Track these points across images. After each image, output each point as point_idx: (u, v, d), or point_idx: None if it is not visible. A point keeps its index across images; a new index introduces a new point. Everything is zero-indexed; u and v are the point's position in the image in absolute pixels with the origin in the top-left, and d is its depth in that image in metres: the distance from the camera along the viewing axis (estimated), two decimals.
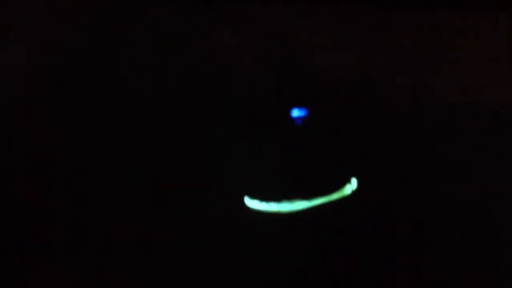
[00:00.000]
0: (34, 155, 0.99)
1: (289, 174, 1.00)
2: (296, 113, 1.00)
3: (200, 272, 0.97)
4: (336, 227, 0.97)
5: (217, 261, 0.97)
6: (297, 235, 0.98)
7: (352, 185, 0.99)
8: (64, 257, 0.96)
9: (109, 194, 0.98)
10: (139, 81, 1.01)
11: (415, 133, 0.99)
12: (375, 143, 0.98)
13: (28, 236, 0.97)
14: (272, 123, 1.01)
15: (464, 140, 0.98)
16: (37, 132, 0.99)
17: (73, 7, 1.02)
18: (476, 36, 1.01)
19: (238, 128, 1.00)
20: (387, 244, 0.96)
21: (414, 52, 1.01)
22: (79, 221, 0.97)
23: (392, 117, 0.99)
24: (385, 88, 1.00)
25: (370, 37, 1.01)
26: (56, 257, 0.96)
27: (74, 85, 1.01)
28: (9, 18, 1.03)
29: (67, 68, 1.01)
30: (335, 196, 0.99)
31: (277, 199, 0.99)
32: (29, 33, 1.02)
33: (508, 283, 0.95)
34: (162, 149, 0.99)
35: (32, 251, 0.96)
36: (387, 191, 0.97)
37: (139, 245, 0.97)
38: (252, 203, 1.00)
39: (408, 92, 1.00)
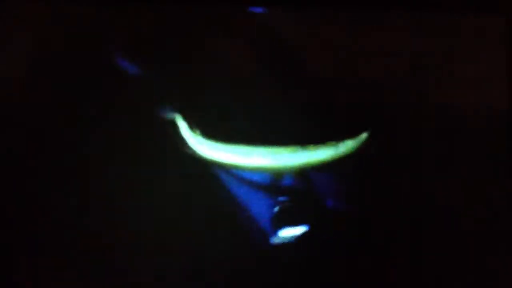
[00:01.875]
0: (34, 156, 0.99)
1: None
2: None
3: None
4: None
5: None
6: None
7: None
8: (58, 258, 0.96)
9: (110, 192, 0.97)
10: (139, 82, 1.01)
11: (412, 134, 0.99)
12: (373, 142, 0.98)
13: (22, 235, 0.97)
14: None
15: (461, 141, 0.98)
16: (37, 133, 1.00)
17: (73, 8, 1.03)
18: (474, 38, 1.01)
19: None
20: (380, 243, 0.95)
21: (413, 53, 1.01)
22: (79, 221, 0.97)
23: (389, 117, 0.99)
24: (383, 89, 1.00)
25: (369, 38, 1.01)
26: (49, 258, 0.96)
27: (74, 86, 1.01)
28: (9, 19, 1.03)
29: (67, 69, 1.02)
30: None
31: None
32: (30, 34, 1.03)
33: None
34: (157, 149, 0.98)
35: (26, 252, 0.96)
36: (384, 191, 0.97)
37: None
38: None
39: (406, 93, 1.00)
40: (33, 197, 0.97)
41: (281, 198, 0.84)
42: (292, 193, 0.85)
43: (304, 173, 0.84)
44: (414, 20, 1.02)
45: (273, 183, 0.84)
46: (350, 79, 0.99)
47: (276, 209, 0.84)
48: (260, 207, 0.86)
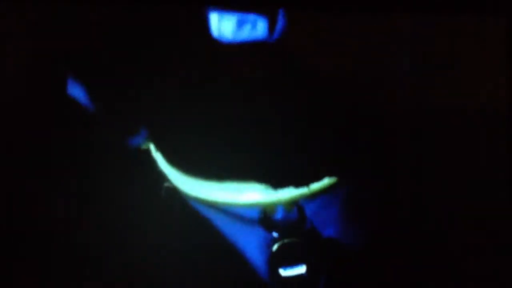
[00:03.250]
0: (33, 156, 0.99)
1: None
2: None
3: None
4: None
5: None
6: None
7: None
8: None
9: (108, 194, 0.97)
10: (139, 83, 1.00)
11: (411, 135, 0.99)
12: (371, 144, 0.98)
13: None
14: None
15: (461, 141, 0.98)
16: (37, 133, 0.99)
17: (73, 9, 1.02)
18: (474, 38, 1.01)
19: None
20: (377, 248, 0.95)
21: (413, 53, 1.01)
22: (78, 222, 0.97)
23: (388, 118, 0.99)
24: (383, 90, 1.00)
25: (368, 39, 1.01)
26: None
27: (73, 87, 1.01)
28: (9, 20, 1.03)
29: (67, 70, 1.01)
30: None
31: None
32: (29, 35, 1.03)
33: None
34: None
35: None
36: (382, 192, 0.97)
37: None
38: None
39: (405, 93, 1.00)
40: (32, 197, 0.97)
41: (275, 234, 0.80)
42: (287, 228, 0.81)
43: (298, 204, 0.81)
44: (414, 20, 1.02)
45: (266, 218, 0.80)
46: (347, 83, 0.99)
47: (275, 247, 0.80)
48: (253, 245, 0.83)
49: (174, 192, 0.78)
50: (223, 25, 0.84)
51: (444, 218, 0.97)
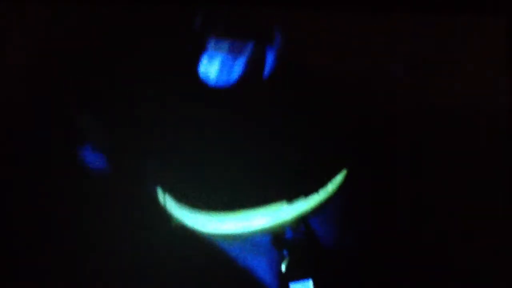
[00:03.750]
0: (33, 155, 0.99)
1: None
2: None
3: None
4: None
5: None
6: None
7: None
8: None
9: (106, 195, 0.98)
10: (139, 82, 1.01)
11: (411, 135, 0.99)
12: (371, 144, 0.98)
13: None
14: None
15: (461, 141, 0.98)
16: (37, 133, 0.99)
17: (73, 9, 1.03)
18: (474, 38, 1.01)
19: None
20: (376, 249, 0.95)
21: (413, 53, 1.01)
22: (77, 223, 0.97)
23: (388, 119, 0.99)
24: (383, 91, 1.00)
25: (368, 39, 1.01)
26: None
27: (73, 86, 1.01)
28: (9, 19, 1.03)
29: (67, 69, 1.01)
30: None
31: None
32: (29, 34, 1.03)
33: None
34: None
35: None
36: (382, 192, 0.97)
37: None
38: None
39: (406, 95, 1.00)
40: (32, 197, 0.97)
41: (285, 252, 0.84)
42: (297, 245, 0.85)
43: (303, 220, 0.85)
44: (414, 20, 1.02)
45: (277, 239, 0.84)
46: (347, 83, 0.99)
47: (284, 265, 0.83)
48: (264, 265, 0.86)
49: (184, 228, 0.81)
50: (212, 69, 0.86)
51: (444, 218, 0.97)
